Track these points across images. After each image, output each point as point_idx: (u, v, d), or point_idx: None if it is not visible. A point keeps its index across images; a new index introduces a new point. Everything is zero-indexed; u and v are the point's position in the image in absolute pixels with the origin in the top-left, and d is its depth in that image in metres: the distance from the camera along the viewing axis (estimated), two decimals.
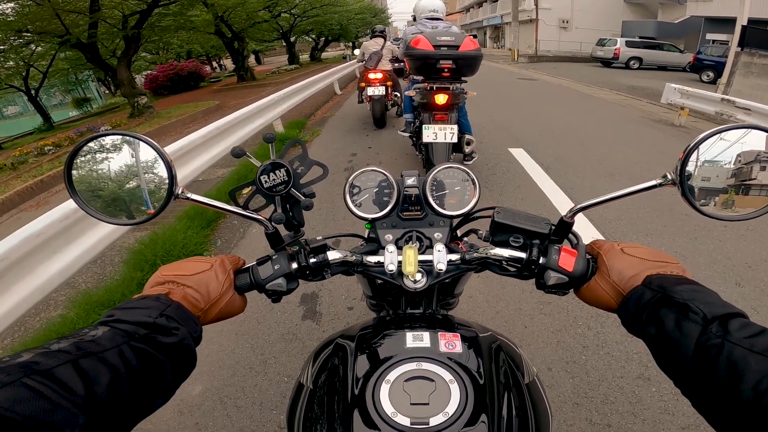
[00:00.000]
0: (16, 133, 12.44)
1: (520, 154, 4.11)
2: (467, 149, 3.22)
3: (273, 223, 0.59)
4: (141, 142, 0.55)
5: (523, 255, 0.57)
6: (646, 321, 0.43)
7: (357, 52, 5.76)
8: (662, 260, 0.49)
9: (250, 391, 1.63)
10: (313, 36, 27.20)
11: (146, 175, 0.57)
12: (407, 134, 3.73)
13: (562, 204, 3.01)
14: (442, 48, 2.72)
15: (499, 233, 0.60)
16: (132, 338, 0.38)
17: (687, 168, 0.50)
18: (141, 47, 11.97)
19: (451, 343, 0.52)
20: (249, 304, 0.60)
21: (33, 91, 13.09)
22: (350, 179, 0.68)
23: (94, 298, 2.18)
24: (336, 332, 0.63)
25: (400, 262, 0.58)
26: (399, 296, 0.68)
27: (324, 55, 29.84)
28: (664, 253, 0.50)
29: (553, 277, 0.55)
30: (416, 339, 0.53)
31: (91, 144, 0.54)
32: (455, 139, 2.92)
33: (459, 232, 0.73)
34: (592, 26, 23.17)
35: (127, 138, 0.55)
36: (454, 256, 0.60)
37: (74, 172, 0.54)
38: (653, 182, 0.52)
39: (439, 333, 0.54)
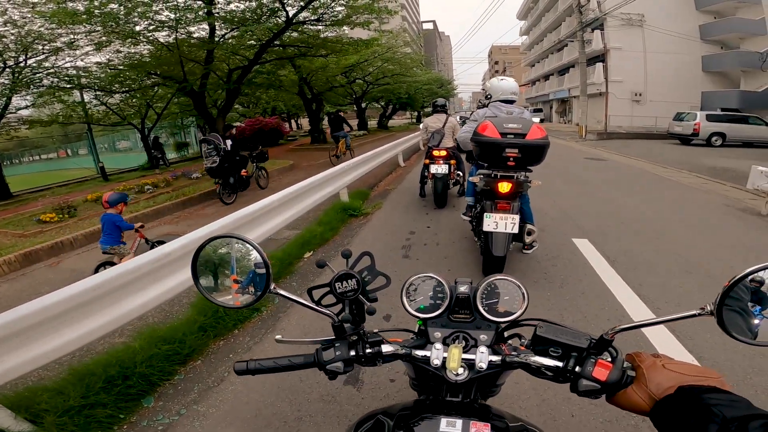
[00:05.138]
0: (123, 167, 14.38)
1: (584, 245, 3.91)
2: (528, 239, 3.13)
3: (339, 319, 0.72)
4: (248, 245, 0.69)
5: (560, 364, 0.65)
6: (675, 423, 0.50)
7: (422, 125, 6.07)
8: (701, 375, 0.55)
9: None
10: (383, 103, 29.07)
11: (249, 269, 0.71)
12: (468, 218, 3.71)
13: (629, 300, 2.80)
14: (508, 136, 2.65)
15: (541, 344, 0.67)
16: None
17: (729, 298, 0.55)
18: (236, 100, 13.56)
19: None
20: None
21: (146, 131, 14.66)
22: (408, 281, 0.78)
23: (158, 333, 2.40)
24: (378, 408, 0.69)
25: (445, 358, 0.66)
26: (440, 384, 0.73)
27: (390, 122, 31.62)
28: (705, 368, 0.57)
29: (585, 385, 0.62)
30: (449, 425, 0.58)
31: (209, 245, 0.70)
32: (516, 230, 2.85)
33: (505, 334, 0.79)
34: (668, 99, 21.57)
35: (237, 240, 0.70)
36: (496, 358, 0.67)
37: (199, 263, 0.70)
38: (692, 312, 0.58)
39: (471, 422, 0.58)
